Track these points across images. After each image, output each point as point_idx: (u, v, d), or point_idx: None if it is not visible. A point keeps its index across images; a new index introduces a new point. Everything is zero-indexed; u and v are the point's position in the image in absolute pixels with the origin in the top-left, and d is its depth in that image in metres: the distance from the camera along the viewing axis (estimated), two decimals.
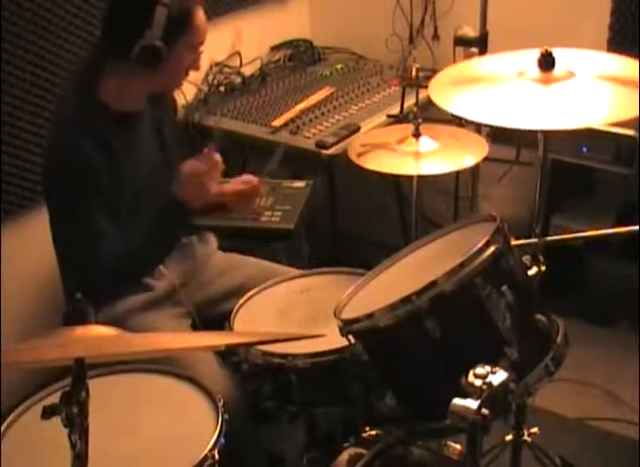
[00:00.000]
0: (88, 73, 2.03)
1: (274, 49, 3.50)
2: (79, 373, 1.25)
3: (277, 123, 2.88)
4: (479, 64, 2.07)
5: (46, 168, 2.09)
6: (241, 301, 2.14)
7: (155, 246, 2.09)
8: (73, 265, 2.05)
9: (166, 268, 2.20)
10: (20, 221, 2.64)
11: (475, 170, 3.21)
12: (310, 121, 2.91)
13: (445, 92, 1.83)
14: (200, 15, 2.00)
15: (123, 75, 1.99)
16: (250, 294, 2.17)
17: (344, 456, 1.83)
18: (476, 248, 1.59)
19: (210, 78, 3.20)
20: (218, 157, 2.06)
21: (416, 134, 2.25)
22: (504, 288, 1.61)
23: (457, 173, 3.20)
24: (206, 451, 1.55)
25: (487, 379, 1.37)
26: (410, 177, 2.37)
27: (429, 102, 1.89)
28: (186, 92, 2.99)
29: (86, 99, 2.00)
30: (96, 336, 1.35)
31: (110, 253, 1.98)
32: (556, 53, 1.79)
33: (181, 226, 2.13)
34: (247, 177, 2.35)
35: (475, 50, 3.01)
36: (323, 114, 2.96)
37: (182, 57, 2.01)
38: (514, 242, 1.74)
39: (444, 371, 1.62)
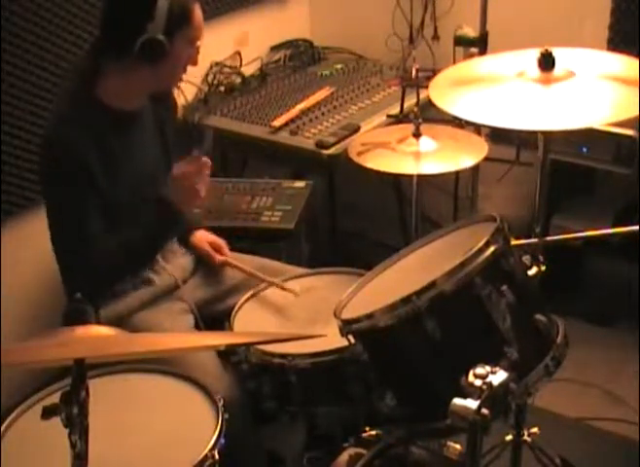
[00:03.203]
0: (87, 72, 2.03)
1: (274, 49, 3.50)
2: (79, 373, 1.25)
3: (277, 123, 2.88)
4: (478, 64, 2.07)
5: (41, 166, 2.09)
6: (241, 300, 2.15)
7: (145, 246, 2.09)
8: (66, 263, 2.05)
9: (168, 263, 2.21)
10: (20, 221, 2.64)
11: (475, 170, 3.21)
12: (310, 121, 2.91)
13: (445, 93, 1.83)
14: (198, 9, 2.00)
15: (122, 72, 1.99)
16: (250, 294, 2.18)
17: (344, 456, 1.83)
18: (476, 248, 1.59)
19: (210, 78, 3.20)
20: (206, 159, 2.06)
21: (416, 134, 2.25)
22: (504, 288, 1.61)
23: (457, 173, 3.21)
24: (206, 451, 1.55)
25: (487, 379, 1.37)
26: (410, 177, 2.37)
27: (429, 102, 1.89)
28: (186, 92, 2.98)
29: (84, 98, 2.00)
30: (96, 336, 1.35)
31: (103, 252, 1.98)
32: (556, 53, 1.79)
33: (171, 227, 2.12)
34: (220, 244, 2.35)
35: (475, 50, 3.01)
36: (323, 114, 2.96)
37: (181, 52, 2.00)
38: (514, 242, 1.74)
39: (443, 371, 1.62)
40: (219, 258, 2.32)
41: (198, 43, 2.05)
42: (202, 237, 2.35)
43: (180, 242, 2.31)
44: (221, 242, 2.36)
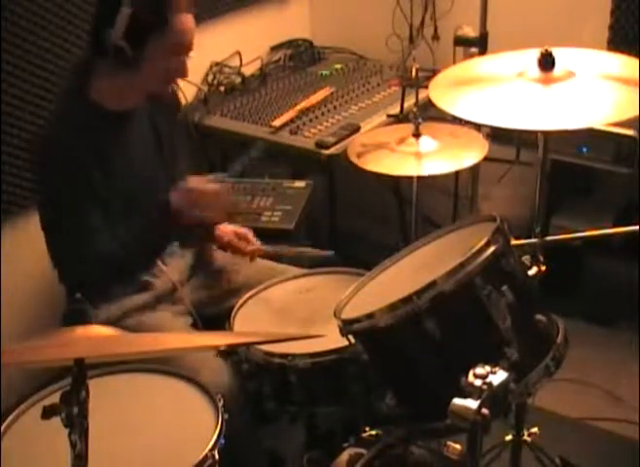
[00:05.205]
0: (80, 72, 2.03)
1: (274, 49, 3.50)
2: (79, 373, 1.25)
3: (277, 123, 2.88)
4: (478, 64, 2.07)
5: (38, 166, 2.08)
6: (241, 301, 2.15)
7: (142, 248, 2.07)
8: (64, 264, 2.04)
9: (166, 266, 2.20)
10: (20, 221, 2.64)
11: (475, 170, 3.21)
12: (310, 121, 2.91)
13: (445, 93, 1.83)
14: (182, 19, 1.94)
15: (108, 74, 1.99)
16: (250, 294, 2.18)
17: (344, 456, 1.83)
18: (476, 248, 1.59)
19: (210, 78, 3.20)
20: (226, 184, 2.06)
21: (416, 134, 2.25)
22: (504, 288, 1.61)
23: (457, 173, 3.21)
24: (206, 451, 1.55)
25: (487, 379, 1.37)
26: (410, 177, 2.37)
27: (429, 102, 1.89)
28: (186, 92, 2.99)
29: (78, 99, 2.00)
30: (96, 336, 1.35)
31: (102, 252, 1.98)
32: (556, 53, 1.79)
33: (169, 232, 2.10)
34: (245, 233, 2.34)
35: (475, 50, 3.01)
36: (323, 114, 2.96)
37: (156, 61, 1.95)
38: (514, 242, 1.74)
39: (444, 371, 1.62)
40: (249, 248, 2.29)
41: (189, 55, 1.99)
42: (226, 229, 2.32)
43: (207, 239, 2.30)
44: (246, 231, 2.32)
